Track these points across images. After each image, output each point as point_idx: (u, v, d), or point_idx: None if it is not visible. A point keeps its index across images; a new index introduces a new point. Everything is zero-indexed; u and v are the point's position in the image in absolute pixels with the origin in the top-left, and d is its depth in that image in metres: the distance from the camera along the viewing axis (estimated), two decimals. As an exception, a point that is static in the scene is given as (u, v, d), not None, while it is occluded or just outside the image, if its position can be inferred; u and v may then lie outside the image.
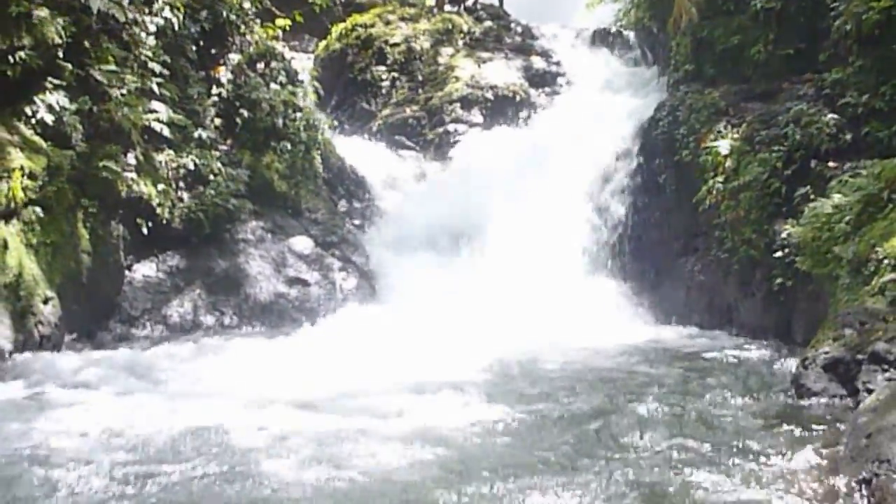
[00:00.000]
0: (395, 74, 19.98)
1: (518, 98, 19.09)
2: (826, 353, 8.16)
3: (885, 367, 7.70)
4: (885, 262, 8.81)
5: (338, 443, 6.53)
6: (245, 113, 13.88)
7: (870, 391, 7.37)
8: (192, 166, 12.58)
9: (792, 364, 9.26)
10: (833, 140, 11.23)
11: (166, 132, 12.22)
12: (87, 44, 11.26)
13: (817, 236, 10.04)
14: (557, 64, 20.30)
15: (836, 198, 10.06)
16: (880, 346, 7.82)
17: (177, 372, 9.27)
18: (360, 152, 17.72)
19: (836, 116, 11.36)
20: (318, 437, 6.68)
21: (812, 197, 10.69)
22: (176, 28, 12.78)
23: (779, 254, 10.93)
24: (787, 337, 11.03)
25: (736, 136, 12.47)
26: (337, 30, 20.86)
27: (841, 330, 8.41)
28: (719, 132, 12.75)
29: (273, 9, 16.98)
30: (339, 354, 10.09)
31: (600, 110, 16.90)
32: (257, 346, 10.91)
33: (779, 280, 11.02)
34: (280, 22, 16.85)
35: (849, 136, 11.18)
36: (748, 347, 10.92)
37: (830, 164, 11.02)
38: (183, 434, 6.71)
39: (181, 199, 12.52)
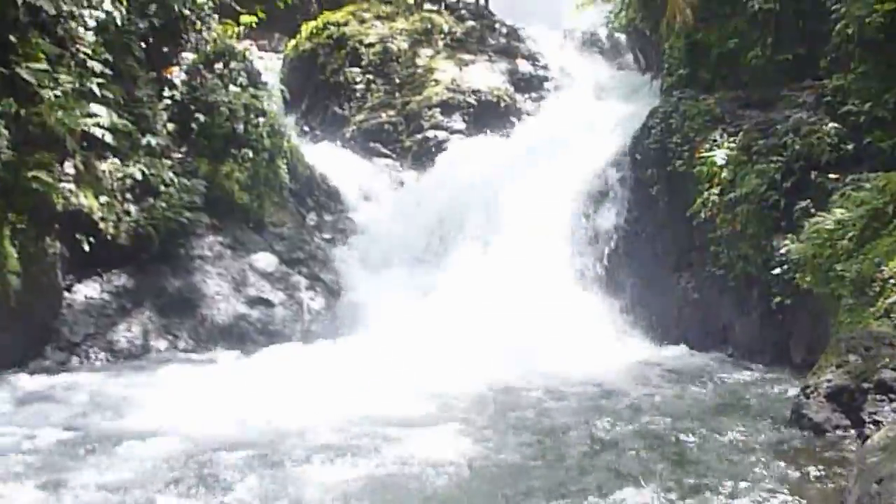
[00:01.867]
0: (371, 77, 19.54)
1: (502, 103, 18.82)
2: (829, 380, 7.97)
3: (893, 396, 7.55)
4: (892, 281, 8.67)
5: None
6: (201, 117, 13.32)
7: (877, 423, 7.23)
8: (139, 176, 11.97)
9: (791, 390, 9.12)
10: (834, 150, 11.08)
11: (108, 138, 11.54)
12: (12, 39, 10.55)
13: (819, 253, 9.89)
14: (545, 67, 20.09)
15: (839, 212, 9.92)
16: (887, 373, 7.67)
17: (101, 406, 8.86)
18: (331, 160, 17.36)
19: (837, 126, 11.21)
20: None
21: (813, 211, 10.54)
22: (119, 23, 12.08)
23: (777, 271, 10.78)
24: (785, 358, 10.89)
25: (732, 145, 12.30)
26: (307, 28, 20.40)
27: (845, 355, 8.20)
28: (715, 141, 12.59)
29: (234, 4, 16.52)
30: (300, 384, 9.75)
31: (590, 117, 16.72)
32: (209, 373, 10.55)
33: (777, 299, 10.85)
34: (245, 19, 16.50)
35: (851, 147, 11.02)
36: (744, 370, 10.78)
37: (832, 176, 10.86)
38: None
39: (128, 213, 11.96)
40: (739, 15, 13.50)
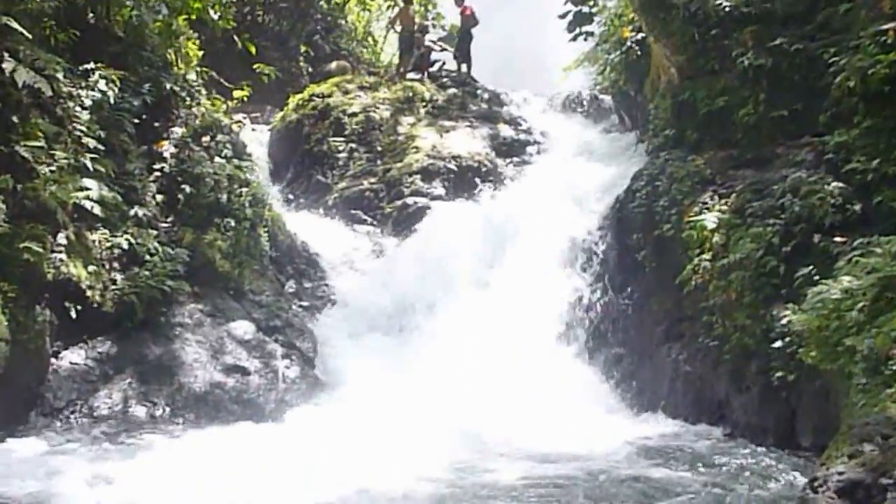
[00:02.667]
0: (353, 145, 19.17)
1: (483, 168, 18.11)
2: (841, 473, 6.76)
3: None
4: None
5: None
6: (187, 188, 13.35)
7: None
8: (126, 246, 12.04)
9: (798, 479, 8.16)
10: (839, 211, 10.10)
11: (98, 210, 11.71)
12: (14, 119, 11.05)
13: (825, 325, 8.74)
14: (527, 132, 19.52)
15: (846, 280, 8.82)
16: None
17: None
18: (313, 228, 17.01)
19: (841, 185, 10.25)
20: None
21: (816, 278, 9.45)
22: (113, 101, 12.47)
23: (778, 343, 9.68)
24: (790, 440, 9.84)
25: (724, 207, 11.41)
26: (294, 100, 20.41)
27: (859, 444, 7.02)
28: (705, 204, 11.74)
29: (223, 81, 17.11)
30: (266, 461, 9.06)
31: (574, 180, 16.09)
32: (176, 447, 9.92)
33: (779, 373, 9.74)
34: (237, 94, 17.07)
35: (857, 207, 10.03)
36: (743, 452, 9.66)
37: (837, 239, 9.84)
38: None
39: (114, 281, 11.95)
40: (728, 72, 12.71)
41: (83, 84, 12.20)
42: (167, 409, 11.52)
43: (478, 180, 17.83)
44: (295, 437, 10.35)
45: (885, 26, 10.29)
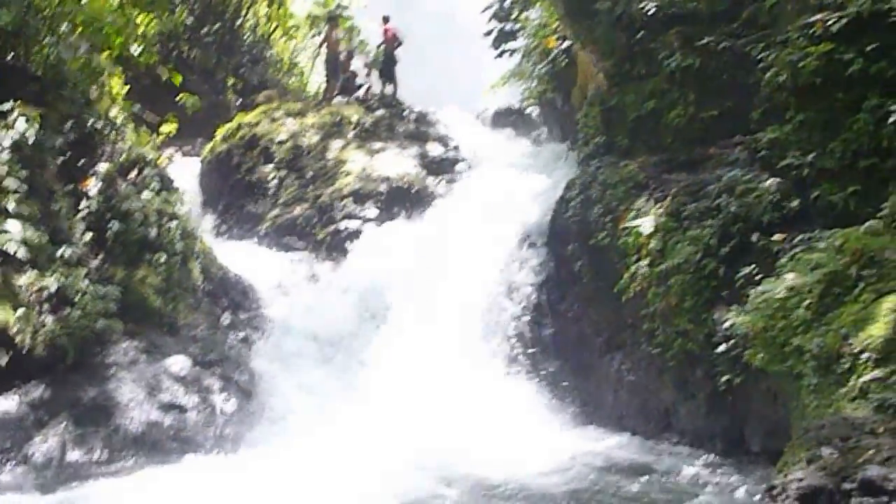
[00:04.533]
0: (283, 172, 18.82)
1: (414, 188, 17.70)
2: (800, 479, 6.27)
3: (885, 498, 5.86)
4: (864, 356, 6.99)
5: None
6: (116, 225, 12.88)
7: None
8: (55, 287, 11.47)
9: (753, 488, 7.90)
10: (776, 208, 9.65)
11: (22, 253, 11.28)
12: None
13: (770, 325, 8.31)
14: (456, 149, 19.16)
15: (790, 277, 8.38)
16: (874, 470, 6.00)
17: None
18: (246, 258, 16.53)
19: (777, 181, 9.82)
20: None
21: (758, 278, 9.02)
22: (33, 141, 12.01)
23: (722, 347, 9.26)
24: (739, 446, 9.56)
25: (660, 212, 10.95)
26: (222, 131, 20.08)
27: (817, 448, 6.55)
28: (640, 209, 11.33)
29: (148, 116, 16.50)
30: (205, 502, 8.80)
31: (505, 194, 15.71)
32: (114, 493, 9.45)
33: (725, 378, 9.34)
34: (164, 128, 16.83)
35: (795, 203, 9.59)
36: (694, 461, 9.40)
37: (777, 236, 9.36)
38: None
39: (44, 324, 11.35)
40: (656, 75, 12.42)
41: (2, 124, 11.80)
42: (105, 452, 10.98)
43: (409, 200, 17.43)
44: (235, 473, 9.90)
45: (813, 18, 9.88)
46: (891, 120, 8.90)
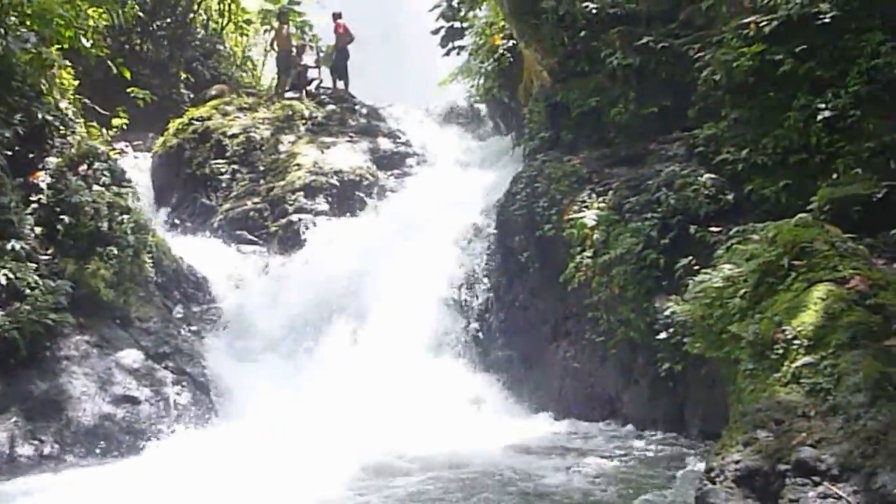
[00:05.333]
0: (235, 166, 18.56)
1: (365, 182, 17.66)
2: (737, 462, 6.38)
3: (817, 479, 5.97)
4: (797, 342, 7.13)
5: None
6: (67, 219, 12.54)
7: None
8: (4, 281, 11.18)
9: (693, 468, 7.94)
10: (713, 202, 9.85)
11: None
12: None
13: (708, 314, 8.38)
14: (406, 144, 19.22)
15: (727, 268, 8.46)
16: (806, 451, 6.11)
17: None
18: (199, 251, 16.26)
19: (713, 176, 10.04)
20: None
21: (696, 268, 9.09)
22: None
23: (663, 335, 9.34)
24: (680, 429, 9.65)
25: (603, 205, 11.08)
26: (174, 125, 19.68)
27: (753, 431, 6.63)
28: (583, 202, 11.38)
29: (99, 109, 16.33)
30: (159, 494, 8.41)
31: (454, 188, 15.81)
32: (63, 488, 9.05)
33: (666, 365, 9.48)
34: (115, 121, 16.52)
35: (730, 197, 9.81)
36: (637, 445, 9.42)
37: (713, 229, 9.54)
38: None
39: None
40: (598, 72, 12.54)
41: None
42: (56, 447, 10.75)
43: (360, 194, 17.40)
44: (189, 466, 9.57)
45: (747, 20, 10.14)
46: (819, 118, 9.19)
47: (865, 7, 9.38)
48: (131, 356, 12.12)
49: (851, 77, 9.25)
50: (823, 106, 9.26)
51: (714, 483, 6.29)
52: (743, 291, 8.08)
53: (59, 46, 14.20)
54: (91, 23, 15.17)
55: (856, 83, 9.18)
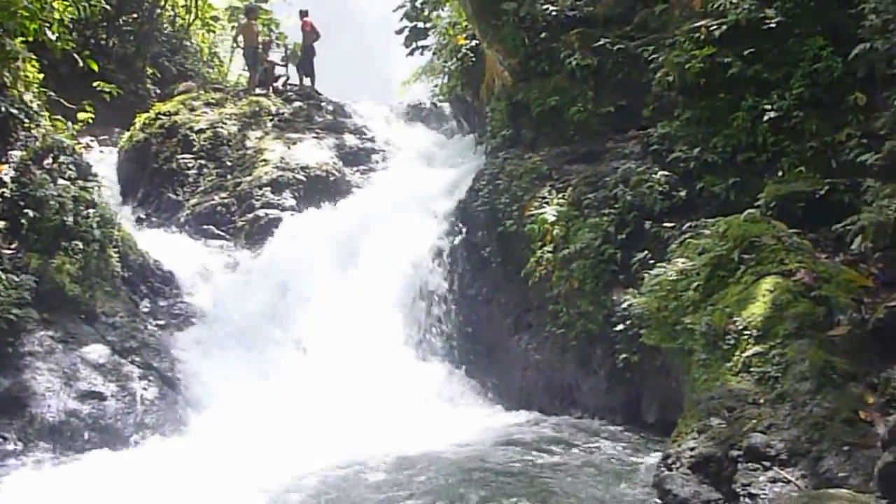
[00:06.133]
0: (202, 161, 18.24)
1: (331, 177, 17.51)
2: (692, 448, 6.63)
3: (767, 464, 6.24)
4: (747, 333, 7.36)
5: None
6: (31, 213, 12.13)
7: (753, 497, 5.97)
8: None
9: (649, 457, 7.97)
10: (666, 198, 10.01)
11: None
12: None
13: (663, 306, 8.61)
14: (371, 140, 19.06)
15: (680, 262, 8.70)
16: (757, 438, 6.38)
17: None
18: (166, 246, 15.83)
19: (667, 173, 10.19)
20: None
21: (652, 262, 9.34)
22: None
23: (620, 327, 9.48)
24: (637, 418, 9.71)
25: (562, 201, 11.17)
26: (140, 119, 19.31)
27: (706, 419, 6.89)
28: (544, 198, 11.45)
29: (64, 102, 15.68)
30: (124, 492, 8.28)
31: (418, 184, 15.56)
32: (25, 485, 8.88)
33: (623, 356, 9.56)
34: (81, 116, 15.81)
35: (683, 193, 9.98)
36: (595, 433, 9.44)
37: (667, 224, 9.74)
38: None
39: None
40: (558, 73, 12.55)
41: None
42: (19, 444, 10.32)
43: (327, 190, 17.22)
44: (156, 461, 9.46)
45: (698, 24, 10.31)
46: (765, 118, 9.41)
47: (808, 14, 9.63)
48: (97, 351, 11.74)
49: (795, 80, 9.49)
50: (769, 107, 9.50)
51: (671, 469, 6.49)
52: (696, 284, 8.28)
53: (24, 39, 13.66)
54: (56, 15, 14.78)
55: (799, 86, 9.42)
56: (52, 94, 14.78)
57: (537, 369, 11.28)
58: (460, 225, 13.25)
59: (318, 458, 8.80)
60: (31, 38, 13.88)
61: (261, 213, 16.74)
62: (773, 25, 9.66)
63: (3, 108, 12.58)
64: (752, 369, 7.05)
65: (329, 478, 8.14)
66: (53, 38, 14.26)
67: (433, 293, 13.28)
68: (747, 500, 5.93)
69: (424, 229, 13.98)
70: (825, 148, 9.08)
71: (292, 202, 16.96)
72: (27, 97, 13.48)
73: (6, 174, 12.29)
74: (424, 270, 13.50)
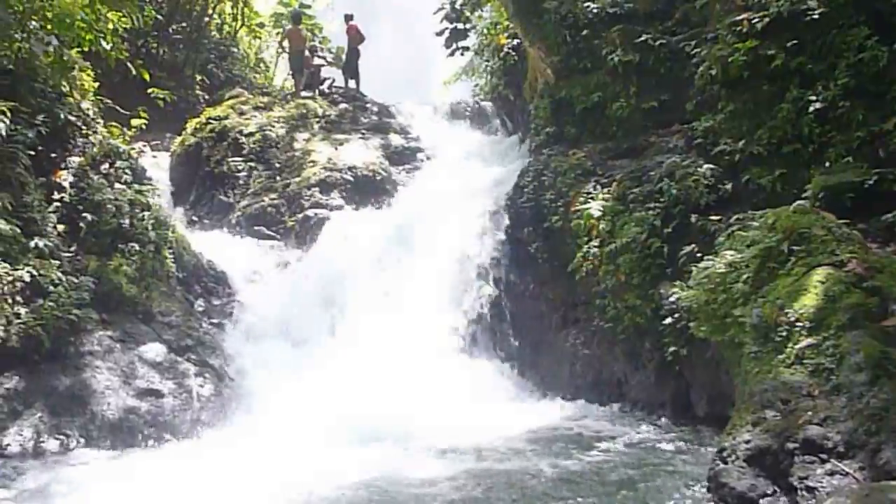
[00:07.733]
0: (252, 164, 18.30)
1: (378, 177, 17.49)
2: (747, 441, 6.40)
3: (824, 456, 6.01)
4: (799, 325, 7.12)
5: None
6: (89, 216, 12.30)
7: (810, 490, 5.76)
8: (28, 278, 10.87)
9: (701, 449, 7.93)
10: (712, 191, 9.85)
11: None
12: None
13: (712, 299, 8.38)
14: (416, 139, 19.00)
15: (729, 254, 8.45)
16: (813, 430, 6.14)
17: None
18: (218, 246, 15.93)
19: (711, 166, 10.03)
20: None
21: (699, 255, 9.14)
22: (4, 134, 11.31)
23: (668, 320, 9.31)
24: (686, 412, 9.58)
25: (607, 196, 11.04)
26: (192, 125, 19.44)
27: (761, 411, 6.65)
28: (589, 194, 11.32)
29: (119, 109, 15.94)
30: (185, 485, 8.21)
31: (463, 182, 15.49)
32: (88, 479, 8.83)
33: (671, 349, 9.41)
34: (134, 122, 16.08)
35: (729, 186, 9.82)
36: (645, 426, 9.40)
37: (713, 217, 9.54)
38: None
39: (18, 315, 10.73)
40: (600, 69, 12.44)
41: (-28, 120, 11.21)
42: (81, 440, 10.41)
43: (373, 188, 17.24)
44: (213, 456, 9.53)
45: (740, 17, 10.10)
46: (810, 109, 9.19)
47: (851, 4, 9.36)
48: (154, 350, 11.82)
49: (839, 70, 9.23)
50: (814, 98, 9.27)
51: (726, 462, 6.30)
52: (745, 276, 8.07)
53: (80, 49, 13.92)
54: (110, 26, 14.91)
55: (844, 76, 9.17)
56: (107, 101, 14.96)
57: (585, 363, 11.20)
58: (506, 221, 13.16)
59: (371, 457, 8.76)
60: (86, 49, 14.08)
61: (310, 213, 16.74)
62: (815, 17, 9.42)
63: (62, 116, 12.72)
64: (805, 361, 6.81)
65: (386, 477, 8.05)
66: (108, 47, 14.42)
67: (481, 290, 13.20)
68: (805, 493, 5.74)
69: (470, 227, 13.90)
70: (872, 138, 8.82)
71: (340, 202, 16.95)
72: (84, 105, 13.66)
73: (65, 179, 12.46)
74: (471, 267, 13.42)
